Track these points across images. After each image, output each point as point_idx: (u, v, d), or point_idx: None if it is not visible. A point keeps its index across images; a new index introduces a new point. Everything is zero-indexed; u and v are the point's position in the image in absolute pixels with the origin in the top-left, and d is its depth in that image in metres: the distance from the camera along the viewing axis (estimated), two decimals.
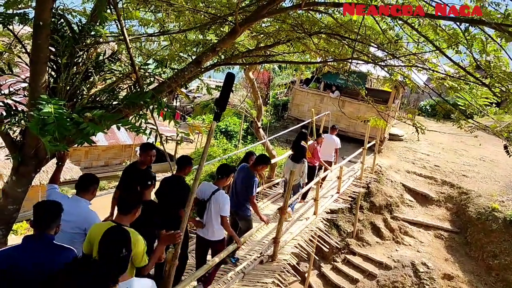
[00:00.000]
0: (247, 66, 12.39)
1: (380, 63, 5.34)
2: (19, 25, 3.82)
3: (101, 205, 5.75)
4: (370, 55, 5.89)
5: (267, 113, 20.88)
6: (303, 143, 9.52)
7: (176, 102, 34.82)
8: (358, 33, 4.76)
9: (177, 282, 4.79)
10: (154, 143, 4.67)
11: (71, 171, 14.95)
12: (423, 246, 12.09)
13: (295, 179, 8.39)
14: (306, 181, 8.94)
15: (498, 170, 14.92)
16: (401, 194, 13.46)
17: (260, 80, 22.92)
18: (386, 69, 6.24)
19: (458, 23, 3.86)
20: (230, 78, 3.73)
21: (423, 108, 24.24)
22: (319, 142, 9.91)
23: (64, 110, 2.97)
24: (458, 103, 5.35)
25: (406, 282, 10.90)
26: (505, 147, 5.02)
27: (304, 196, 9.74)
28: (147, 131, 3.62)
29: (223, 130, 19.92)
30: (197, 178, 3.88)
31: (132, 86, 4.02)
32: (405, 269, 11.23)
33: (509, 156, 4.99)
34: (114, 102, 3.92)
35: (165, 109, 3.92)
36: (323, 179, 10.16)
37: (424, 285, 10.85)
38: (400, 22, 4.62)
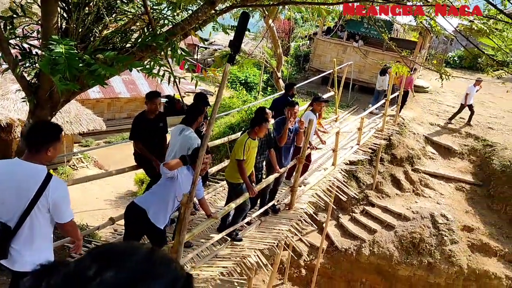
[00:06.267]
0: (267, 13, 12.03)
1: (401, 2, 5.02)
2: None
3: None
4: None
5: (288, 65, 20.45)
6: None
7: (197, 55, 34.42)
8: None
9: None
10: (173, 95, 4.63)
11: (94, 122, 15.25)
12: (444, 198, 11.97)
13: (381, 86, 13.56)
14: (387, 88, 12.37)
15: None
16: (423, 147, 13.22)
17: (280, 29, 22.30)
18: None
19: None
20: (244, 18, 3.57)
21: (451, 59, 23.27)
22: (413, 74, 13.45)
23: (75, 51, 2.94)
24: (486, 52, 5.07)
25: (424, 233, 10.91)
26: None
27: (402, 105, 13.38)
28: (161, 73, 3.57)
29: (243, 81, 19.70)
30: (212, 123, 3.84)
31: (145, 28, 3.93)
32: (423, 220, 11.20)
33: None
34: (127, 45, 3.85)
35: (180, 52, 3.84)
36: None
37: (442, 236, 10.84)
38: None
